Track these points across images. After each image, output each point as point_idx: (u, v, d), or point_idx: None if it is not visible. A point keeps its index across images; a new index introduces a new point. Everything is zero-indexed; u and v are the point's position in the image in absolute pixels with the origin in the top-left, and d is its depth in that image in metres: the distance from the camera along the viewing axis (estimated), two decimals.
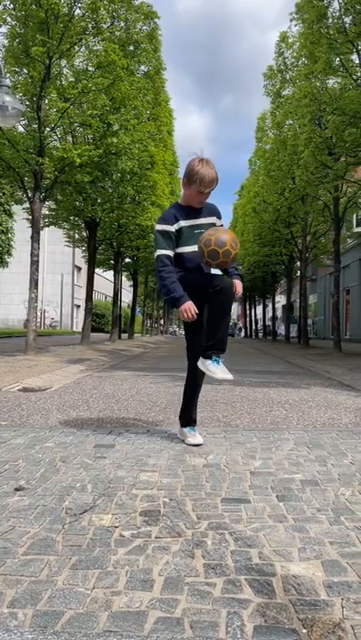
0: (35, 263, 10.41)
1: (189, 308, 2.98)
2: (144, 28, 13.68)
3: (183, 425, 3.37)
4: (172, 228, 3.11)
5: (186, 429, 3.34)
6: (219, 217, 3.36)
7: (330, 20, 10.88)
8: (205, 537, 1.85)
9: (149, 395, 5.57)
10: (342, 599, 1.46)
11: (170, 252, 3.11)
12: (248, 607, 1.41)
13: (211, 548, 1.76)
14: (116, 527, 1.93)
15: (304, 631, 1.31)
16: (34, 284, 10.41)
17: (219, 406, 4.84)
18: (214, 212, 3.33)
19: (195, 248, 3.12)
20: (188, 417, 3.37)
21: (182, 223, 3.14)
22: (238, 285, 3.22)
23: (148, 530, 1.91)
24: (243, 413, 4.46)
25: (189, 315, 2.98)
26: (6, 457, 2.87)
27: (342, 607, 1.42)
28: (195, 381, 3.38)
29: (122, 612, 1.39)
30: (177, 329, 65.71)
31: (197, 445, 3.19)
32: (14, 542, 1.79)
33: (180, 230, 3.13)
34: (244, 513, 2.08)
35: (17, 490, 2.32)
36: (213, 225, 3.26)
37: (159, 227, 3.14)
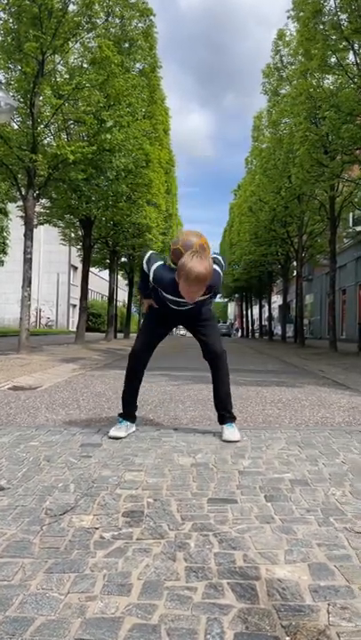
0: (28, 261, 10.32)
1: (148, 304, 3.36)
2: (139, 25, 13.59)
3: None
4: (150, 279, 3.15)
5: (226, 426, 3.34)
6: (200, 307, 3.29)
7: (326, 16, 10.82)
8: (189, 539, 1.78)
9: (141, 394, 5.44)
10: (328, 604, 1.39)
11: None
12: (229, 613, 1.34)
13: (193, 551, 1.69)
14: (97, 528, 1.86)
15: (287, 639, 1.24)
16: (27, 282, 10.32)
17: (210, 405, 4.75)
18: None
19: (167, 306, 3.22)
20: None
21: (165, 294, 3.12)
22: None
23: (130, 531, 1.84)
24: (235, 412, 4.37)
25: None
26: None
27: (328, 613, 1.35)
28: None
29: (96, 618, 1.32)
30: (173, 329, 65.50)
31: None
32: None
33: (154, 289, 3.24)
34: (231, 514, 2.01)
35: None
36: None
37: (154, 262, 3.13)
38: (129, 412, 3.45)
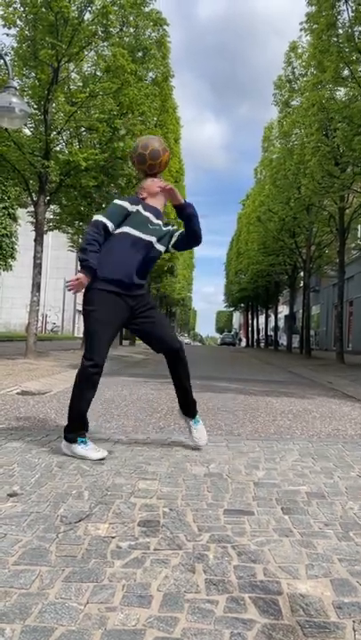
0: (38, 266, 10.34)
1: (80, 281, 2.86)
2: (153, 34, 13.69)
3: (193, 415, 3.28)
4: (131, 209, 3.04)
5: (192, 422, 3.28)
6: (173, 233, 3.25)
7: (340, 29, 10.87)
8: (207, 550, 1.75)
9: (150, 401, 5.47)
10: (353, 621, 1.36)
11: (110, 224, 2.98)
12: (253, 628, 1.32)
13: (213, 563, 1.66)
14: (113, 537, 1.84)
15: None
16: (36, 287, 10.33)
17: (221, 414, 4.74)
18: (174, 230, 3.28)
19: (145, 236, 3.03)
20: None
21: (141, 209, 3.05)
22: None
23: (147, 541, 1.81)
24: (245, 422, 4.36)
25: (73, 284, 2.87)
26: (1, 461, 2.77)
27: (354, 630, 1.32)
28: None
29: (117, 630, 1.29)
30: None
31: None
32: (5, 551, 1.70)
33: (135, 213, 3.04)
34: (248, 525, 1.98)
35: (10, 495, 2.23)
36: (170, 234, 3.21)
37: (117, 201, 3.08)
38: (85, 426, 3.03)
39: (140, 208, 3.06)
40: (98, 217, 3.01)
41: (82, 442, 2.92)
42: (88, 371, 2.93)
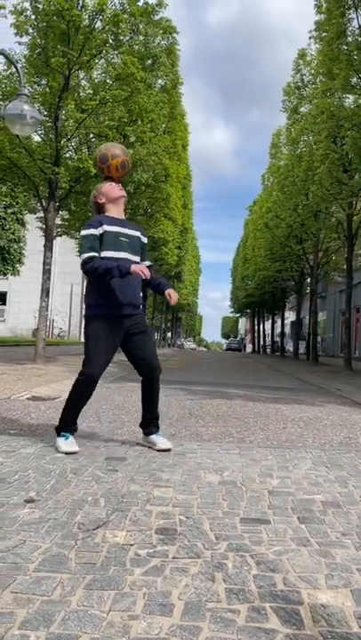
0: (47, 272, 10.39)
1: (141, 268, 3.03)
2: (162, 42, 13.80)
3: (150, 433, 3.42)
4: (98, 232, 3.13)
5: (153, 436, 3.40)
6: (143, 235, 3.42)
7: (349, 37, 10.91)
8: (226, 559, 1.76)
9: (159, 407, 5.46)
10: None
11: (94, 253, 3.10)
12: (275, 638, 1.32)
13: (232, 572, 1.66)
14: (131, 545, 1.84)
15: None
16: (45, 292, 10.38)
17: (231, 421, 4.74)
18: (139, 228, 3.43)
19: (120, 254, 3.13)
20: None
21: (106, 228, 3.15)
22: (173, 294, 3.27)
23: (165, 549, 1.82)
24: (256, 430, 4.35)
25: (145, 272, 3.02)
26: (16, 467, 2.79)
27: None
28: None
29: (140, 638, 1.30)
30: (184, 342, 65.53)
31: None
32: (25, 557, 1.71)
33: (103, 234, 3.13)
34: (265, 534, 1.98)
35: (27, 502, 2.24)
36: (138, 238, 3.34)
37: (84, 232, 3.18)
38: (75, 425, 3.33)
39: (105, 227, 3.15)
40: (84, 257, 3.11)
41: (63, 436, 3.22)
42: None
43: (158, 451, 3.29)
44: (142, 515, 2.14)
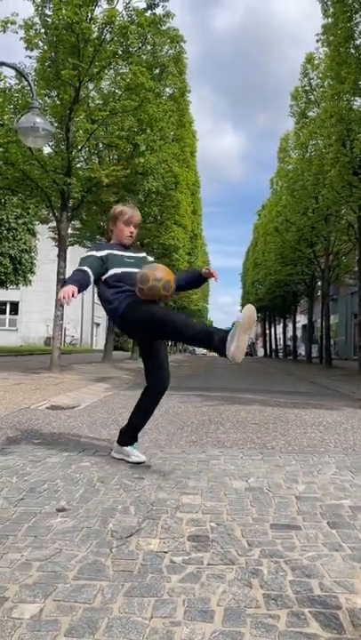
0: (61, 281, 10.48)
1: (67, 291, 2.75)
2: (170, 51, 13.93)
3: (125, 443, 3.29)
4: (99, 254, 3.13)
5: (128, 448, 3.27)
6: (148, 255, 3.49)
7: (357, 40, 10.93)
8: (260, 565, 1.77)
9: (178, 414, 5.49)
10: None
11: (83, 267, 3.03)
12: None
13: (268, 578, 1.68)
14: (166, 552, 1.87)
15: None
16: (59, 302, 10.47)
17: (251, 427, 4.75)
18: (143, 251, 3.49)
19: (128, 270, 3.12)
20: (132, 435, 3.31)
21: (110, 252, 3.17)
22: (211, 270, 3.21)
23: (200, 556, 1.84)
24: (277, 435, 4.36)
25: (66, 295, 2.73)
26: (44, 476, 2.82)
27: None
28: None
29: None
30: (195, 348, 65.41)
31: (140, 463, 3.14)
32: (63, 566, 1.74)
33: (107, 256, 3.14)
34: (297, 540, 2.00)
35: (59, 511, 2.27)
36: (144, 257, 3.35)
37: (84, 254, 3.19)
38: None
39: (111, 251, 3.18)
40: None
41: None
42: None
43: (130, 463, 3.16)
44: (173, 522, 2.16)
